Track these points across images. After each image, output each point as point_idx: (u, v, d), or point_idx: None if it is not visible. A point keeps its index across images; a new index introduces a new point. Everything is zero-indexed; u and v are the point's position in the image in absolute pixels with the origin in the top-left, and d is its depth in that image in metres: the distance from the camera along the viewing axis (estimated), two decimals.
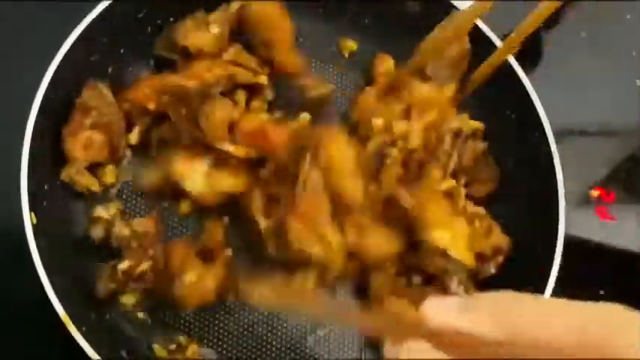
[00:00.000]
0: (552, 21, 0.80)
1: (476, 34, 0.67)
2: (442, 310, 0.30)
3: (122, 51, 0.66)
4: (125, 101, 0.63)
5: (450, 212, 0.61)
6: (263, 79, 0.67)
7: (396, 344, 0.30)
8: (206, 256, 0.61)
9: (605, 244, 0.73)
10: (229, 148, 0.62)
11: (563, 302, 0.29)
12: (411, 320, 0.31)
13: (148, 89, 0.62)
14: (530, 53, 0.78)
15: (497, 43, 0.67)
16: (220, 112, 0.62)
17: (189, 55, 0.65)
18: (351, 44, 0.73)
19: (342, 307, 0.41)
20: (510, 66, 0.66)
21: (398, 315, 0.35)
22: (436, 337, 0.29)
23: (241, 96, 0.65)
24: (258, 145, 0.62)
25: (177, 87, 0.61)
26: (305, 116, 0.68)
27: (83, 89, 0.62)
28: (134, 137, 0.64)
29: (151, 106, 0.62)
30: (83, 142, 0.61)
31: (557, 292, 0.59)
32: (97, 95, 0.62)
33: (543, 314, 0.28)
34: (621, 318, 0.28)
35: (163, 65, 0.67)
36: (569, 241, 0.61)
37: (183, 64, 0.65)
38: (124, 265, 0.58)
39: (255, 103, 0.67)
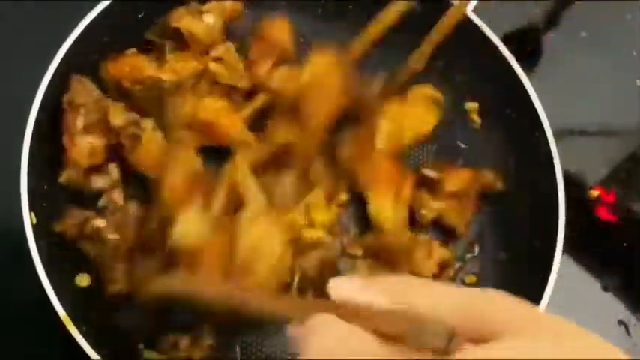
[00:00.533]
0: (552, 21, 0.80)
1: (475, 35, 0.67)
2: (347, 287, 0.35)
3: (122, 51, 0.66)
4: (105, 71, 0.63)
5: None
6: (243, 86, 0.67)
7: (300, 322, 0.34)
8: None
9: (605, 244, 0.73)
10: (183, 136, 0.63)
11: (450, 285, 0.35)
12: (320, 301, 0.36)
13: (128, 67, 0.63)
14: (530, 53, 0.78)
15: (497, 42, 0.67)
16: (187, 106, 0.63)
17: (180, 42, 0.65)
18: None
19: (241, 292, 0.42)
20: (510, 66, 0.66)
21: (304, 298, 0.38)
22: (340, 310, 0.33)
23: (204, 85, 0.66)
24: (211, 135, 0.64)
25: (152, 78, 0.62)
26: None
27: (70, 86, 0.61)
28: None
29: (126, 84, 0.62)
30: (87, 151, 0.61)
31: (557, 292, 0.59)
32: (83, 90, 0.61)
33: (433, 294, 0.32)
34: (500, 300, 0.31)
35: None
36: (569, 241, 0.61)
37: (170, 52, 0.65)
38: (99, 222, 0.59)
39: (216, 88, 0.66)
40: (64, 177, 0.61)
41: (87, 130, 0.61)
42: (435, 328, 0.29)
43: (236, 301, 0.40)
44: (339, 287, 0.35)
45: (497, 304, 0.31)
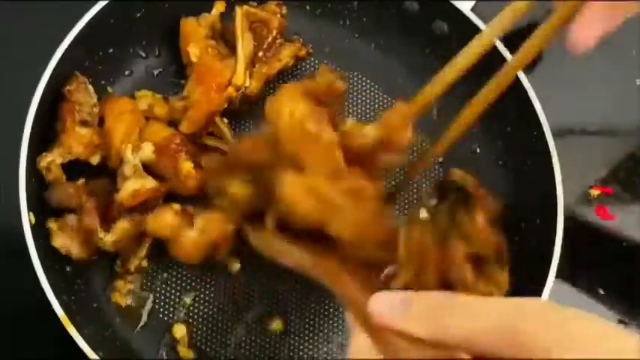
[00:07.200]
0: None
1: (475, 35, 0.67)
2: (386, 305, 0.34)
3: (121, 50, 0.66)
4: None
5: None
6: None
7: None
8: None
9: (604, 243, 0.73)
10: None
11: (495, 302, 0.32)
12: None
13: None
14: None
15: (497, 42, 0.67)
16: None
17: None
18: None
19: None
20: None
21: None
22: (377, 333, 0.34)
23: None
24: None
25: None
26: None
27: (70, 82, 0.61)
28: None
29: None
30: (82, 140, 0.60)
31: (556, 291, 0.59)
32: (82, 90, 0.61)
33: (470, 317, 0.31)
34: (536, 308, 0.30)
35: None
36: (569, 241, 0.61)
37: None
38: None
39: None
40: (42, 162, 0.59)
41: (82, 124, 0.61)
42: None
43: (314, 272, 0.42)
44: (379, 304, 0.35)
45: (538, 323, 0.29)
